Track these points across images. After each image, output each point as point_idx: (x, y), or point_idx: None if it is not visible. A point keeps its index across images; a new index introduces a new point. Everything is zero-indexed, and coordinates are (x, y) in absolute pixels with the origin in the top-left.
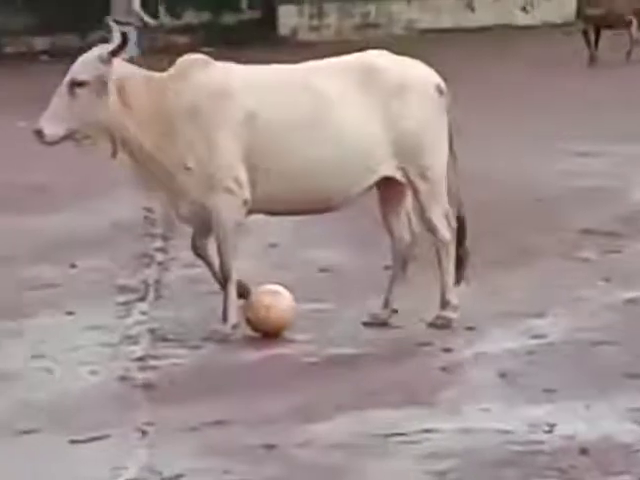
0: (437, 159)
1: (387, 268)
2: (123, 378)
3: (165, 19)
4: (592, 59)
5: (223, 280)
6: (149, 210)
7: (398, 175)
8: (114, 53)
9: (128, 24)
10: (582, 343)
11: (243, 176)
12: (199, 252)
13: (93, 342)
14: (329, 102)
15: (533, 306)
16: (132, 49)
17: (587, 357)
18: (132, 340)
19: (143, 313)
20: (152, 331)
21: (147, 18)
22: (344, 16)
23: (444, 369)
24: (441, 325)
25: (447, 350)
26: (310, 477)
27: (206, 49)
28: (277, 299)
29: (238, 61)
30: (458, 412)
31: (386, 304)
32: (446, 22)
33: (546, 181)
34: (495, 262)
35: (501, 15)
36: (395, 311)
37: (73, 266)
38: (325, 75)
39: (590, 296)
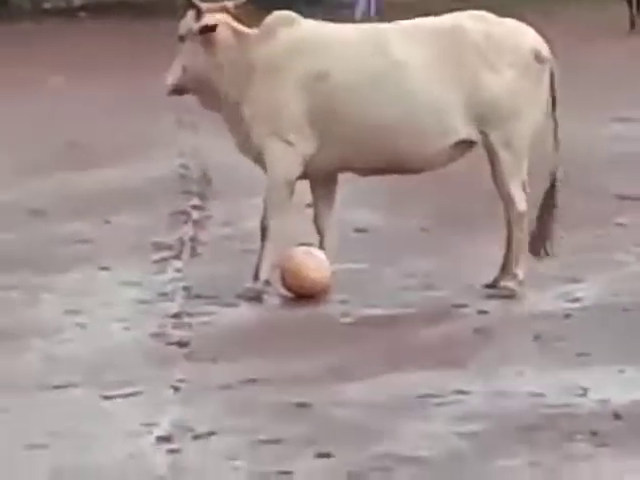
0: (525, 129)
1: (423, 230)
2: (157, 335)
3: None
4: (633, 24)
5: (261, 235)
6: (186, 167)
7: (478, 140)
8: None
9: None
10: (617, 308)
11: (307, 131)
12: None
13: (127, 298)
14: (401, 62)
15: (569, 270)
16: (363, 6)
17: (622, 321)
18: (166, 297)
19: (178, 270)
20: (186, 288)
21: None
22: None
23: (479, 331)
24: (505, 296)
25: (482, 312)
26: (342, 436)
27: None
28: (317, 268)
29: None
30: (492, 374)
31: (504, 271)
32: None
33: (583, 146)
34: (531, 226)
35: None
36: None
37: (108, 222)
38: (405, 35)
39: (625, 261)
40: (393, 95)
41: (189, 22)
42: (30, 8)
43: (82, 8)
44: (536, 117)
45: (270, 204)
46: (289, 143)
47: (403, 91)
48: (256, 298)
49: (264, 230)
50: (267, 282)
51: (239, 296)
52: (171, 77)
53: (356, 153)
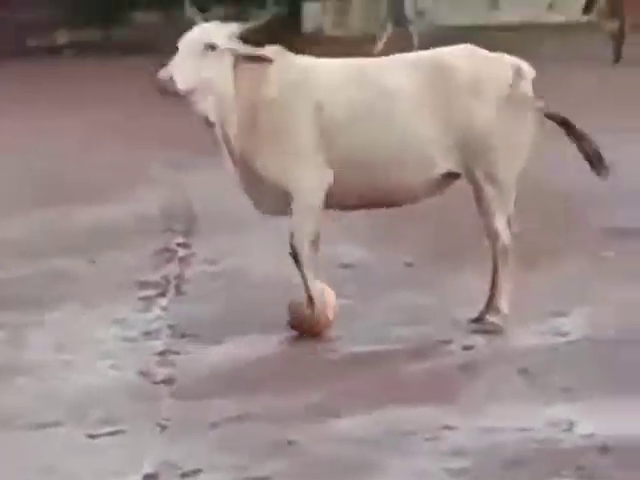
0: (510, 162)
1: (408, 265)
2: (143, 373)
3: (193, 12)
4: (617, 58)
5: (294, 260)
6: (170, 205)
7: (461, 171)
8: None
9: None
10: (604, 341)
11: (323, 162)
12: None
13: (113, 336)
14: (391, 96)
15: (555, 304)
16: None
17: (608, 355)
18: (152, 335)
19: (163, 308)
20: (172, 326)
21: None
22: (369, 11)
23: (465, 366)
24: (490, 331)
25: (468, 348)
26: (330, 473)
27: None
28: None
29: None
30: (478, 410)
31: (489, 306)
32: (470, 19)
33: (570, 178)
34: (518, 259)
35: (527, 12)
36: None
37: (93, 260)
38: (392, 70)
39: (612, 294)
40: (381, 127)
41: (223, 35)
42: (14, 46)
43: (66, 46)
44: (521, 150)
45: (299, 224)
46: (312, 171)
47: (390, 122)
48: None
49: (297, 256)
50: (321, 302)
51: (289, 324)
52: (186, 81)
53: (351, 185)
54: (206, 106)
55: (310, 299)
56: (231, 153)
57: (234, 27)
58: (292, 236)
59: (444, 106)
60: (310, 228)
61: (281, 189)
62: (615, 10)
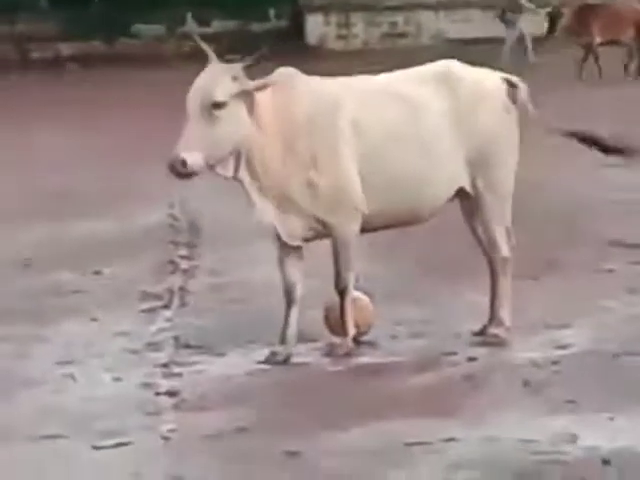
0: (508, 171)
1: (410, 278)
2: (146, 385)
3: (192, 26)
4: (580, 73)
5: (340, 293)
6: (174, 217)
7: (469, 187)
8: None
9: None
10: (606, 354)
11: (360, 189)
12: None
13: (117, 349)
14: (417, 110)
15: (558, 317)
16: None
17: (611, 368)
18: (156, 347)
19: (167, 320)
20: (176, 338)
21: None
22: (371, 25)
23: (468, 378)
24: (493, 343)
25: (471, 359)
26: None
27: (233, 56)
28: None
29: (268, 69)
30: (481, 421)
31: (492, 319)
32: (474, 32)
33: (572, 192)
34: (521, 273)
35: (530, 24)
36: (502, 322)
37: (97, 273)
38: (409, 84)
39: (615, 307)
40: (413, 142)
41: (228, 86)
42: (18, 58)
43: (70, 58)
44: (515, 160)
45: (346, 264)
46: (354, 206)
47: (421, 137)
48: (344, 355)
49: (344, 289)
50: (354, 339)
51: (327, 354)
52: (198, 161)
53: (383, 207)
54: (228, 167)
55: (344, 329)
56: (264, 188)
57: (237, 68)
58: (341, 274)
59: (457, 117)
60: (353, 261)
61: (320, 220)
62: (581, 27)
